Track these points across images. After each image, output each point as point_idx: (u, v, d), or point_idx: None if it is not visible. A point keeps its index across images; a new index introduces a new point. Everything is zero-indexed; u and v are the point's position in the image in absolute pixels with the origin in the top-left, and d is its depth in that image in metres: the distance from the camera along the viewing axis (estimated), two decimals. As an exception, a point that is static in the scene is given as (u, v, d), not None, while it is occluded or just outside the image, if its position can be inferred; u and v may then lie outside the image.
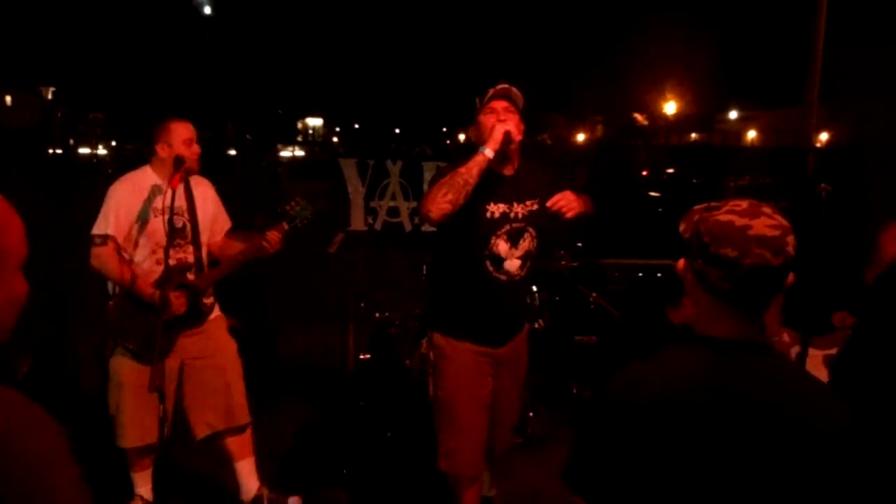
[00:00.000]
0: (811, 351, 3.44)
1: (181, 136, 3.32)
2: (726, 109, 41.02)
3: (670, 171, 17.70)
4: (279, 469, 4.01)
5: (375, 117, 60.09)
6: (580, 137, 43.69)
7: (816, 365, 3.66)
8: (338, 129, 69.19)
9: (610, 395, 1.49)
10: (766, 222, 1.42)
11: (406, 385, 4.57)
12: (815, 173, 6.89)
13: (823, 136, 21.89)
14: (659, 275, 6.07)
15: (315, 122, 73.67)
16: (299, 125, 71.98)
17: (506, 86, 3.03)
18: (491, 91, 3.02)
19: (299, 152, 42.88)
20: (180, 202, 3.34)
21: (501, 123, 2.93)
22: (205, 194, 3.52)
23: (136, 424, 3.31)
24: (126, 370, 3.29)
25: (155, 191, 3.30)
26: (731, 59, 25.87)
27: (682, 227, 1.53)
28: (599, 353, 5.20)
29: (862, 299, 3.37)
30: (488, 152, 2.88)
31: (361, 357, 5.06)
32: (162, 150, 3.32)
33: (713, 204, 1.50)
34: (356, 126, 64.62)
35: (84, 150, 43.69)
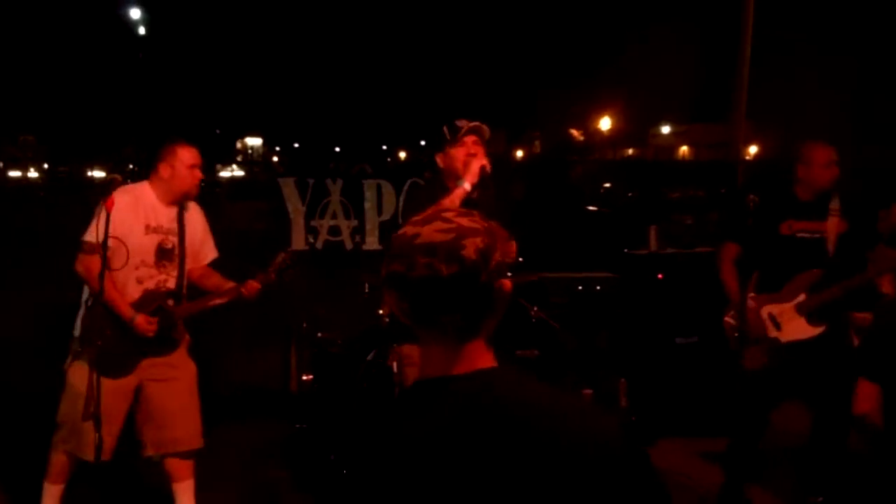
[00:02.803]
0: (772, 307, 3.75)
1: (186, 162, 3.40)
2: (659, 124, 41.95)
3: (607, 185, 17.99)
4: (220, 493, 3.96)
5: (315, 136, 59.84)
6: (518, 153, 44.18)
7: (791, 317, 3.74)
8: (277, 148, 68.75)
9: (359, 455, 1.36)
10: (438, 227, 1.22)
11: (350, 405, 4.55)
12: (744, 185, 7.11)
13: (753, 150, 22.54)
14: (598, 288, 6.17)
15: (254, 141, 73.12)
16: (238, 145, 71.36)
17: (477, 123, 3.33)
18: (464, 126, 3.30)
19: (238, 172, 42.49)
20: (172, 224, 3.41)
21: (476, 158, 3.24)
22: (195, 219, 3.57)
23: (89, 436, 3.26)
24: (84, 380, 3.23)
25: (155, 210, 3.35)
26: (664, 76, 26.54)
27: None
28: (541, 367, 5.25)
29: None
30: (467, 186, 3.20)
31: (304, 378, 5.02)
32: (164, 171, 3.38)
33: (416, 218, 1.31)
34: (296, 145, 64.31)
35: (14, 174, 42.56)
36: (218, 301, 3.51)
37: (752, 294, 3.83)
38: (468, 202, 3.20)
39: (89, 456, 3.25)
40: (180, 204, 3.45)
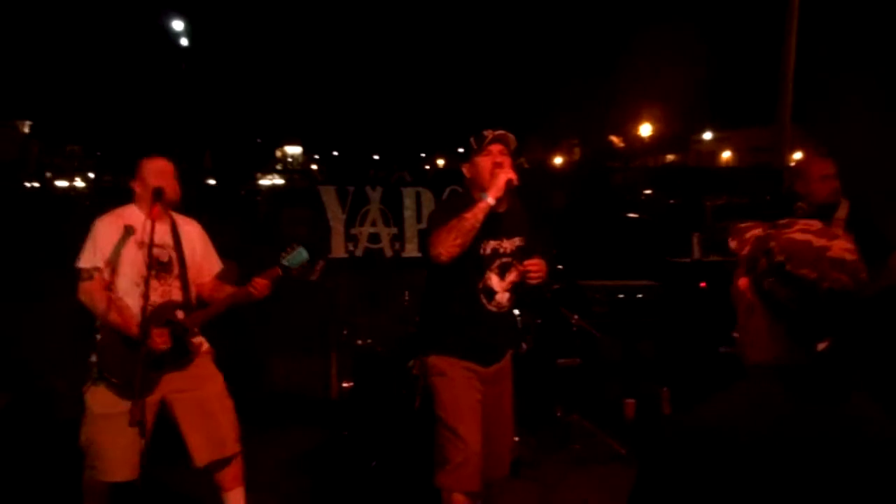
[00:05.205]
0: None
1: (153, 171, 3.39)
2: (701, 130, 41.46)
3: (647, 192, 17.83)
4: (263, 500, 3.97)
5: (354, 144, 60.27)
6: (557, 160, 43.99)
7: None
8: (316, 156, 69.38)
9: (680, 440, 1.37)
10: (843, 245, 1.35)
11: (390, 413, 4.54)
12: (790, 190, 6.97)
13: (797, 155, 22.16)
14: (640, 296, 6.09)
15: (294, 149, 73.93)
16: (278, 153, 72.18)
17: (502, 132, 3.26)
18: (489, 135, 3.24)
19: (278, 180, 42.93)
20: (165, 237, 3.39)
21: (502, 171, 3.16)
22: (191, 233, 3.55)
23: (115, 458, 3.23)
24: (106, 402, 3.23)
25: (138, 225, 3.33)
26: (704, 80, 26.23)
27: (733, 245, 1.46)
28: (583, 376, 5.20)
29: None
30: (491, 200, 3.12)
31: (344, 385, 5.03)
32: (137, 187, 3.40)
33: (779, 222, 1.42)
34: (335, 153, 64.81)
35: (61, 183, 43.55)
36: (227, 303, 3.43)
37: None
38: (494, 216, 3.17)
39: (115, 477, 3.26)
40: (172, 219, 3.44)
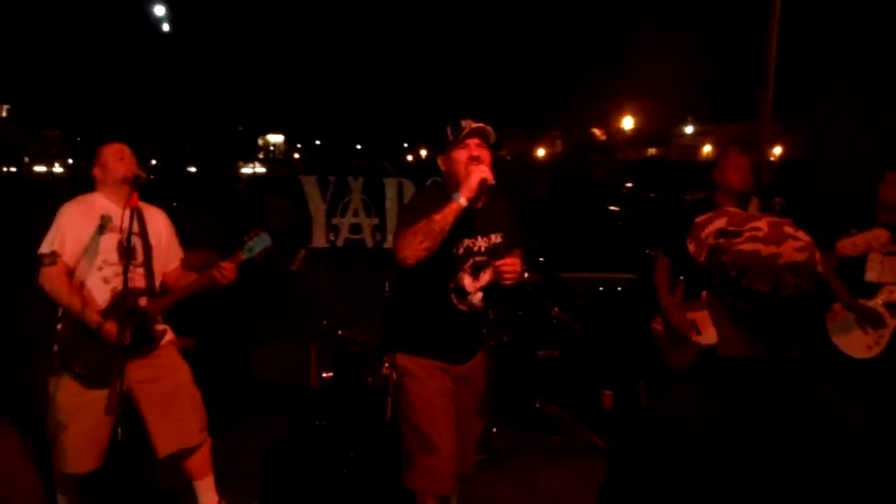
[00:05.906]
0: None
1: (112, 154, 3.35)
2: (682, 124, 41.64)
3: (629, 185, 17.91)
4: (241, 489, 3.96)
5: (336, 133, 60.08)
6: (540, 152, 44.05)
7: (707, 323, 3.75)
8: (299, 145, 69.11)
9: (647, 432, 1.37)
10: (793, 245, 1.32)
11: (369, 403, 4.54)
12: (769, 185, 7.03)
13: (777, 150, 22.30)
14: (619, 289, 6.12)
15: (276, 138, 73.59)
16: (260, 142, 71.83)
17: (480, 124, 3.04)
18: (465, 128, 3.02)
19: (260, 169, 42.75)
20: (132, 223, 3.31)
21: (477, 168, 2.94)
22: (156, 220, 3.51)
23: (80, 449, 3.21)
24: (70, 393, 3.20)
25: (107, 211, 3.30)
26: (687, 74, 26.33)
27: (692, 248, 1.43)
28: (562, 368, 5.22)
29: None
30: (463, 201, 2.90)
31: (324, 375, 5.02)
32: (98, 173, 3.37)
33: (729, 228, 1.39)
34: (317, 142, 64.59)
35: (39, 168, 43.15)
36: (190, 290, 3.36)
37: (677, 301, 3.88)
38: (469, 212, 2.98)
39: (78, 468, 3.24)
40: (136, 207, 3.34)
